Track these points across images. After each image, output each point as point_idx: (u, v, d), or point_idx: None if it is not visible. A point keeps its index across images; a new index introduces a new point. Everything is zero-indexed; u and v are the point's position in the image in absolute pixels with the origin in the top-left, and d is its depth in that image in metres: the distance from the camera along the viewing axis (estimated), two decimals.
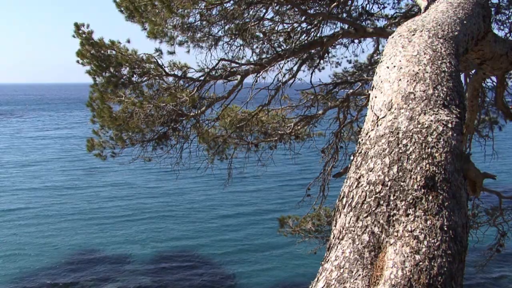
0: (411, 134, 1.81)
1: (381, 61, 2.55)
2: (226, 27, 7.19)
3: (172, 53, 7.04)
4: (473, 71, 6.44)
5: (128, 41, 6.92)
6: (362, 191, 1.65)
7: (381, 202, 1.58)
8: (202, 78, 7.13)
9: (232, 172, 8.58)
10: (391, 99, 2.11)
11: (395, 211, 1.54)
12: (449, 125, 1.88)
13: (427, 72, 2.22)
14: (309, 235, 9.72)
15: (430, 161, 1.69)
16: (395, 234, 1.48)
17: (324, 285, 1.40)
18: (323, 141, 9.38)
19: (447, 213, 1.54)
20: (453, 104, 2.06)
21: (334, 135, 9.08)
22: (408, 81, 2.18)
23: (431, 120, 1.89)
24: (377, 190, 1.62)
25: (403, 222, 1.51)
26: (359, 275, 1.38)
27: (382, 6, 8.56)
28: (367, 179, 1.69)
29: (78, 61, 6.75)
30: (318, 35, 7.84)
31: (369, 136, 1.94)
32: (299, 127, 8.68)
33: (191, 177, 28.09)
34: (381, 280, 1.36)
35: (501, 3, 7.98)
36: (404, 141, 1.78)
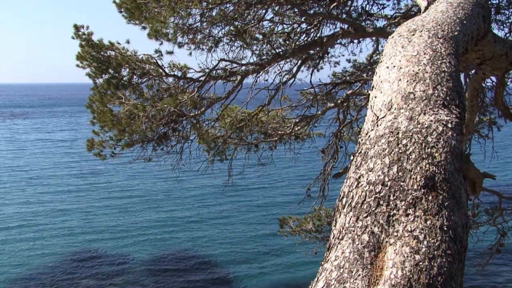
0: (411, 134, 1.81)
1: (381, 61, 2.55)
2: (226, 28, 7.20)
3: (170, 52, 7.05)
4: (473, 71, 6.44)
5: (128, 42, 6.93)
6: (362, 191, 1.65)
7: (381, 202, 1.58)
8: (202, 78, 7.14)
9: (232, 172, 8.58)
10: (391, 99, 2.11)
11: (395, 211, 1.54)
12: (449, 125, 1.88)
13: (427, 72, 2.22)
14: (310, 235, 9.72)
15: (430, 161, 1.69)
16: (395, 234, 1.48)
17: (324, 285, 1.40)
18: (323, 141, 9.38)
19: (447, 213, 1.54)
20: (453, 104, 2.06)
21: (334, 135, 9.08)
22: (408, 81, 2.18)
23: (431, 120, 1.89)
24: (377, 190, 1.62)
25: (403, 222, 1.51)
26: (359, 275, 1.38)
27: (382, 6, 8.57)
28: (367, 179, 1.69)
29: (78, 65, 6.75)
30: (317, 35, 7.85)
31: (369, 136, 1.94)
32: (299, 127, 8.68)
33: (191, 177, 28.11)
34: (381, 280, 1.36)
35: (501, 3, 7.99)
36: (404, 141, 1.78)
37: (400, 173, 1.65)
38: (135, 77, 6.92)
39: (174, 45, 7.02)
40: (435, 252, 1.42)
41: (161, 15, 6.37)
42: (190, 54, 7.31)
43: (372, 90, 2.39)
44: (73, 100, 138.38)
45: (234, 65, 7.36)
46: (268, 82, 7.71)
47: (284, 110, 8.72)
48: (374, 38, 8.74)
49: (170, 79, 7.16)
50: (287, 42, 7.71)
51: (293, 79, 7.92)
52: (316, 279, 1.47)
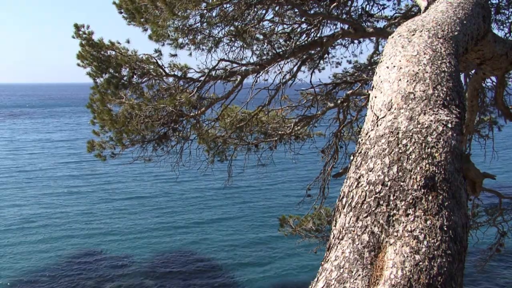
0: (411, 134, 1.81)
1: (381, 61, 2.55)
2: (226, 29, 7.19)
3: (174, 55, 7.05)
4: (473, 71, 6.44)
5: (128, 42, 6.93)
6: (362, 191, 1.65)
7: (381, 202, 1.58)
8: (202, 78, 7.14)
9: (232, 172, 8.59)
10: (391, 99, 2.11)
11: (395, 211, 1.54)
12: (449, 125, 1.89)
13: (427, 72, 2.22)
14: (310, 235, 9.72)
15: (430, 161, 1.69)
16: (395, 234, 1.48)
17: (324, 285, 1.40)
18: (323, 141, 9.38)
19: (447, 213, 1.54)
20: (453, 104, 2.06)
21: (334, 135, 9.08)
22: (408, 81, 2.18)
23: (431, 120, 1.89)
24: (377, 190, 1.62)
25: (403, 222, 1.51)
26: (359, 275, 1.38)
27: (382, 7, 8.57)
28: (367, 179, 1.69)
29: (78, 64, 6.75)
30: (318, 35, 7.85)
31: (369, 136, 1.94)
32: (299, 127, 8.68)
33: (191, 177, 28.12)
34: (381, 280, 1.36)
35: (501, 3, 7.98)
36: (404, 141, 1.78)
37: (400, 173, 1.65)
38: (135, 76, 6.91)
39: (175, 47, 7.02)
40: (435, 252, 1.42)
41: (160, 17, 6.37)
42: (190, 54, 7.31)
43: (372, 90, 2.39)
44: (73, 100, 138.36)
45: (234, 65, 7.35)
46: (268, 82, 7.71)
47: (284, 110, 8.71)
48: (374, 38, 8.74)
49: (170, 79, 7.16)
50: (288, 42, 7.71)
51: (293, 79, 7.92)
52: (316, 279, 1.47)
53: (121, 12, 6.91)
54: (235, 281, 16.51)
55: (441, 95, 2.08)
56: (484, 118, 9.06)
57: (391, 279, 1.35)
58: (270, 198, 26.38)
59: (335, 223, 1.67)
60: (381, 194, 1.60)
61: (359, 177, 1.72)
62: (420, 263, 1.38)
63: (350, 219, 1.59)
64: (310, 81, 8.38)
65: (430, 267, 1.38)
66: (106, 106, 6.76)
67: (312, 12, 7.72)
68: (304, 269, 16.98)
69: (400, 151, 1.74)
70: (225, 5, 6.79)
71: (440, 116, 1.92)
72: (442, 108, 2.00)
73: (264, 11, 7.34)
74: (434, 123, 1.87)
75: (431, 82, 2.15)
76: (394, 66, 2.36)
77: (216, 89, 7.49)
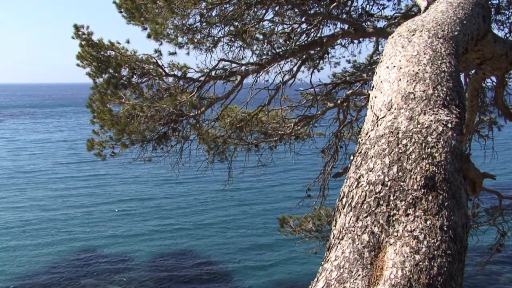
0: (411, 134, 1.81)
1: (381, 61, 2.55)
2: (226, 29, 7.19)
3: (173, 53, 7.04)
4: (473, 71, 6.43)
5: (128, 42, 6.92)
6: (362, 191, 1.65)
7: (381, 202, 1.58)
8: (202, 78, 7.13)
9: (232, 172, 8.58)
10: (391, 99, 2.11)
11: (395, 211, 1.54)
12: (449, 125, 1.89)
13: (427, 72, 2.22)
14: (310, 235, 9.72)
15: (430, 161, 1.69)
16: (395, 234, 1.48)
17: (324, 285, 1.40)
18: (323, 141, 9.38)
19: (447, 213, 1.54)
20: (453, 104, 2.06)
21: (334, 135, 9.08)
22: (408, 81, 2.18)
23: (431, 120, 1.89)
24: (377, 190, 1.62)
25: (403, 222, 1.51)
26: (359, 275, 1.38)
27: (382, 7, 8.57)
28: (367, 179, 1.69)
29: (78, 65, 6.75)
30: (317, 35, 7.85)
31: (369, 136, 1.94)
32: (299, 127, 8.69)
33: (191, 177, 28.11)
34: (381, 280, 1.36)
35: (501, 3, 7.98)
36: (404, 141, 1.78)
37: (400, 173, 1.65)
38: (135, 76, 6.91)
39: (174, 46, 7.02)
40: (435, 252, 1.42)
41: (160, 16, 6.37)
42: (188, 53, 7.30)
43: (372, 90, 2.39)
44: (73, 100, 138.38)
45: (234, 65, 7.35)
46: (268, 82, 7.71)
47: (284, 110, 8.71)
48: (374, 38, 8.74)
49: (170, 79, 7.16)
50: (288, 42, 7.71)
51: (293, 79, 7.92)
52: (316, 279, 1.47)
53: (121, 12, 6.91)
54: (234, 280, 16.51)
55: (441, 95, 2.08)
56: (484, 118, 9.06)
57: (391, 279, 1.35)
58: (270, 198, 26.39)
59: (335, 223, 1.67)
60: (381, 194, 1.60)
61: (359, 177, 1.72)
62: (420, 263, 1.38)
63: (350, 219, 1.59)
64: (310, 81, 8.38)
65: (430, 267, 1.38)
66: (106, 106, 6.76)
67: (312, 12, 7.72)
68: (304, 270, 16.98)
69: (400, 151, 1.74)
70: (225, 5, 6.80)
71: (440, 116, 1.92)
72: (442, 108, 2.00)
73: (264, 11, 7.34)
74: (434, 123, 1.87)
75: (431, 82, 2.15)
76: (394, 66, 2.36)
77: (216, 89, 7.49)
